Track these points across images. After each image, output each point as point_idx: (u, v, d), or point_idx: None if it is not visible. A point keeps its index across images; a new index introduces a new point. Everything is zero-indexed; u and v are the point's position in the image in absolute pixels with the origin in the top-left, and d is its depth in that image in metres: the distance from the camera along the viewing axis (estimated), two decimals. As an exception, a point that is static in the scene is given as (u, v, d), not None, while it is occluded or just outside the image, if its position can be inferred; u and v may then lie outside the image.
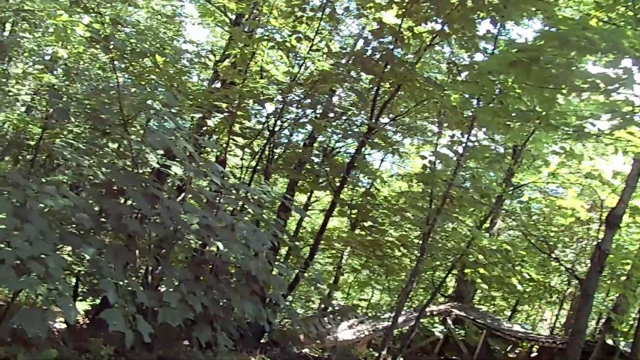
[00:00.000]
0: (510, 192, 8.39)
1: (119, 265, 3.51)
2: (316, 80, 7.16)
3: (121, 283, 3.76)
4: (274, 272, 5.00)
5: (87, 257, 3.50)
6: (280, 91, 6.19)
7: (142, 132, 5.80)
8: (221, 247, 4.39)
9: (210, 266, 5.00)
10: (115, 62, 4.25)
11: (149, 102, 3.86)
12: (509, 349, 16.81)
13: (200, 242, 5.34)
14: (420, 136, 13.88)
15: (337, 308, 16.18)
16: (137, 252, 4.69)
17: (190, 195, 4.73)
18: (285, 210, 9.60)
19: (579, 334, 5.82)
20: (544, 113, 4.01)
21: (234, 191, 4.47)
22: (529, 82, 3.51)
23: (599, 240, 6.09)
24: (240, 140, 7.50)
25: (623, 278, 9.92)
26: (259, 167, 8.84)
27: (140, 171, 6.27)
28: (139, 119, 8.59)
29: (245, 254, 3.97)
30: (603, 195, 7.72)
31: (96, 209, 4.41)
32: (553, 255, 7.94)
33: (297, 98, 6.78)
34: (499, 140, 10.57)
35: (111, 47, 3.72)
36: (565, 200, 10.74)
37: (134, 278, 5.06)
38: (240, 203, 4.97)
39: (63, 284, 3.06)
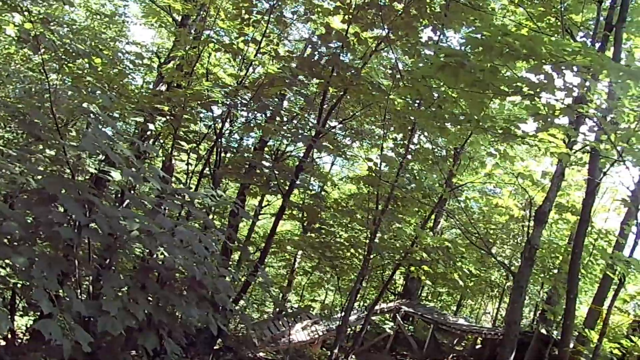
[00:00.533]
0: (450, 192, 8.78)
1: (53, 275, 3.36)
2: (263, 83, 7.16)
3: (60, 293, 3.62)
4: (222, 277, 4.96)
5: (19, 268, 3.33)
6: (226, 94, 6.14)
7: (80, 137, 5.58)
8: (163, 252, 4.33)
9: (156, 273, 4.89)
10: (49, 64, 4.06)
11: (85, 105, 3.72)
12: (455, 342, 17.53)
13: (147, 250, 5.21)
14: (368, 140, 14.21)
15: (290, 310, 16.22)
16: (76, 261, 4.51)
17: (130, 202, 4.60)
18: (236, 215, 9.49)
19: (514, 324, 6.18)
20: (474, 116, 4.26)
21: (177, 196, 4.39)
22: (457, 86, 3.72)
23: (529, 236, 6.50)
24: (186, 145, 7.37)
25: (554, 271, 10.64)
26: (206, 172, 8.71)
27: (80, 178, 6.04)
28: (79, 123, 8.23)
29: (188, 259, 3.92)
30: (533, 195, 8.24)
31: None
32: (486, 251, 8.38)
33: (244, 101, 6.75)
34: (440, 143, 11.06)
35: (41, 47, 3.55)
36: (501, 200, 11.36)
37: (71, 287, 4.85)
38: (185, 208, 4.90)
39: (-9, 295, 2.90)
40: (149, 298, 4.29)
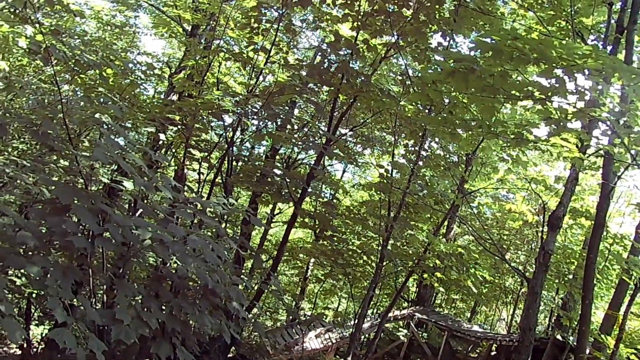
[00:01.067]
0: (463, 198, 8.72)
1: (67, 284, 3.40)
2: (273, 91, 7.20)
3: (75, 302, 3.65)
4: (235, 285, 4.97)
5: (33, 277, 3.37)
6: (236, 103, 6.19)
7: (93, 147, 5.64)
8: (176, 261, 4.35)
9: (170, 282, 4.92)
10: (61, 75, 4.12)
11: (97, 115, 3.77)
12: (470, 348, 17.31)
13: (160, 259, 5.26)
14: (379, 147, 14.20)
15: (303, 318, 16.20)
16: (90, 270, 4.56)
17: (142, 211, 4.64)
18: (248, 223, 9.51)
19: (529, 331, 6.09)
20: (486, 122, 4.23)
21: (189, 204, 4.43)
22: (467, 92, 3.70)
23: (543, 242, 6.41)
24: (198, 154, 7.43)
25: (570, 277, 10.48)
26: (218, 181, 8.76)
27: (94, 188, 6.12)
28: (92, 133, 8.35)
29: (201, 267, 3.94)
30: (547, 200, 8.15)
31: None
32: (500, 256, 8.30)
33: (254, 110, 6.80)
34: (452, 149, 10.99)
35: (52, 59, 3.61)
36: (514, 205, 11.24)
37: (86, 296, 4.90)
38: (198, 217, 4.93)
39: (6, 304, 2.94)
40: (163, 307, 4.32)
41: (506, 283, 17.12)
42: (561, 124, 3.99)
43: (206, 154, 7.18)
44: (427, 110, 8.06)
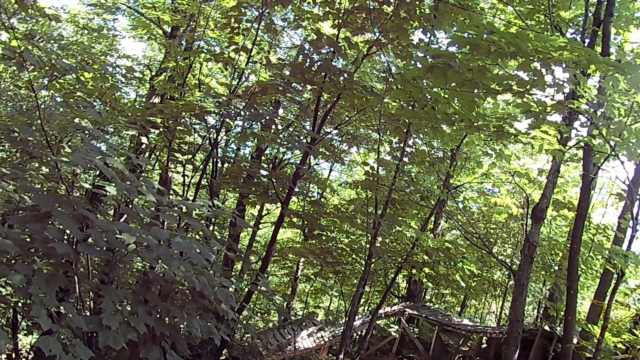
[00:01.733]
0: (448, 193, 8.79)
1: (51, 291, 3.35)
2: (255, 91, 7.17)
3: (62, 310, 3.60)
4: (224, 287, 4.94)
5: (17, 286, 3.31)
6: (218, 104, 6.15)
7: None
8: (161, 264, 4.32)
9: (159, 286, 4.88)
10: (39, 80, 4.05)
11: (77, 120, 3.71)
12: (461, 342, 17.47)
13: (148, 264, 5.20)
14: (364, 144, 14.24)
15: (295, 318, 16.21)
16: (75, 277, 4.50)
17: (127, 215, 4.59)
18: (235, 225, 9.46)
19: (516, 322, 6.16)
20: (467, 116, 4.27)
21: (174, 207, 4.39)
22: (447, 87, 3.74)
23: (527, 234, 6.50)
24: (182, 157, 7.37)
25: (555, 268, 10.64)
26: (204, 183, 8.70)
27: (76, 194, 6.03)
28: (73, 139, 8.22)
29: (187, 270, 3.91)
30: (530, 192, 8.25)
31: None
32: (487, 250, 8.39)
33: (237, 110, 6.76)
34: (437, 144, 11.09)
35: (27, 64, 3.55)
36: (499, 199, 11.36)
37: (73, 303, 4.82)
38: (183, 220, 4.89)
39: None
40: (151, 311, 4.28)
41: (494, 276, 17.31)
42: (541, 116, 4.05)
43: (190, 156, 7.12)
44: (410, 107, 8.10)
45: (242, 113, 6.21)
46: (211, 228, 11.56)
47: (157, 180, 11.40)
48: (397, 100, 8.20)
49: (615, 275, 8.13)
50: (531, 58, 3.34)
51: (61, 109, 5.21)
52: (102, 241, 3.41)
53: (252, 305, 18.82)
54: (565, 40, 3.18)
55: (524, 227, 13.60)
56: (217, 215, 7.22)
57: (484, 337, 15.92)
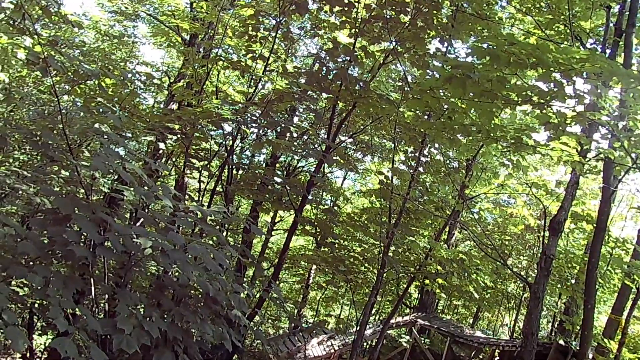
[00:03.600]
0: (463, 203, 8.71)
1: (68, 293, 3.39)
2: (271, 99, 7.22)
3: (77, 311, 3.65)
4: (237, 293, 4.96)
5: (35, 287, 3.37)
6: (234, 111, 6.20)
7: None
8: (175, 269, 4.35)
9: (172, 291, 4.91)
10: (60, 85, 4.14)
11: (97, 125, 3.78)
12: (472, 354, 17.22)
13: (162, 268, 5.24)
14: (379, 154, 14.21)
15: (305, 325, 16.16)
16: (92, 280, 4.56)
17: (143, 220, 4.64)
18: (248, 232, 9.47)
19: (531, 336, 6.05)
20: (485, 127, 4.23)
21: (189, 213, 4.42)
22: (465, 97, 3.71)
23: (544, 246, 6.40)
24: (198, 163, 7.44)
25: (572, 282, 10.44)
26: (219, 189, 8.76)
27: (94, 197, 6.12)
28: (92, 144, 8.37)
29: (201, 275, 3.93)
30: (548, 204, 8.13)
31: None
32: (502, 262, 8.26)
33: (253, 118, 6.80)
34: (452, 155, 11.00)
35: (51, 69, 3.62)
36: (515, 210, 11.21)
37: (88, 306, 4.87)
38: (198, 225, 4.92)
39: (9, 313, 2.94)
40: (164, 315, 4.31)
41: (508, 288, 17.06)
42: (560, 128, 3.99)
43: (206, 162, 7.18)
44: (426, 116, 8.07)
45: (258, 121, 6.25)
46: (224, 234, 11.62)
47: (173, 185, 11.51)
48: (412, 110, 8.17)
49: (634, 290, 7.95)
50: (552, 69, 3.30)
51: (82, 114, 5.30)
52: (119, 245, 3.45)
53: (263, 312, 18.85)
54: (587, 52, 3.14)
55: (540, 239, 13.40)
56: (231, 221, 7.27)
57: (497, 350, 15.67)
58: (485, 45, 3.33)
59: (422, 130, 7.57)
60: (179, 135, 6.37)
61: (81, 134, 5.70)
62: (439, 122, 4.66)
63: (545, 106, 3.79)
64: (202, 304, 4.50)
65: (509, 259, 14.68)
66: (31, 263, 3.76)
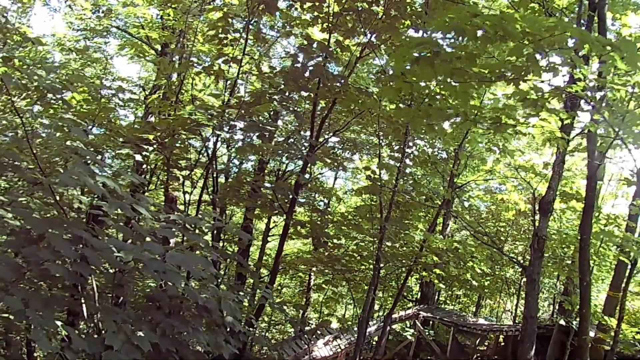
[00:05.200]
0: (453, 192, 8.65)
1: (50, 313, 3.27)
2: (248, 101, 7.12)
3: (63, 332, 3.53)
4: (230, 300, 4.85)
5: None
6: (210, 116, 6.08)
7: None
8: (166, 280, 4.23)
9: (163, 303, 4.80)
10: (29, 105, 4.02)
11: (68, 143, 3.66)
12: (477, 342, 17.20)
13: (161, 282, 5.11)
14: (367, 151, 14.15)
15: (308, 327, 16.06)
16: (82, 299, 4.43)
17: (123, 234, 4.52)
18: (244, 241, 9.36)
19: (530, 319, 5.99)
20: (463, 109, 4.16)
21: (172, 223, 4.31)
22: (435, 78, 3.63)
23: (536, 228, 6.34)
24: (181, 174, 7.30)
25: (568, 262, 10.44)
26: (207, 198, 8.62)
27: (75, 216, 5.98)
28: (69, 164, 8.19)
29: (196, 284, 3.83)
30: (536, 186, 8.09)
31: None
32: (498, 248, 8.21)
33: (231, 121, 6.68)
34: (439, 145, 10.96)
35: (9, 87, 3.50)
36: (506, 195, 11.19)
37: (80, 325, 4.73)
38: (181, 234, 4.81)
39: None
40: (157, 328, 4.20)
41: (507, 274, 17.06)
42: (539, 104, 3.93)
43: (188, 172, 7.06)
44: (407, 106, 8.01)
45: (236, 124, 6.14)
46: (220, 244, 11.50)
47: (162, 200, 11.33)
48: (391, 101, 8.10)
49: (629, 265, 7.93)
50: (521, 41, 3.23)
51: (57, 134, 5.17)
52: (98, 260, 3.33)
53: (268, 318, 18.71)
54: (554, 20, 3.08)
55: (533, 222, 13.40)
56: (219, 228, 7.14)
57: (501, 336, 15.66)
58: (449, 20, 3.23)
59: (402, 120, 7.50)
60: (155, 146, 6.25)
61: (58, 154, 5.57)
62: (415, 110, 4.58)
63: (521, 82, 3.72)
64: (192, 314, 4.39)
65: (504, 245, 14.66)
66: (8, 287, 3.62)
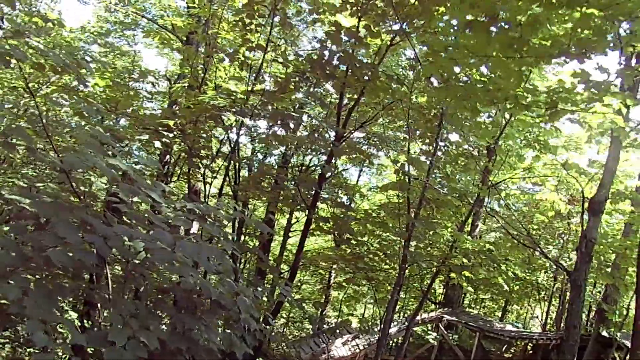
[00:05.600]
0: (488, 189, 8.12)
1: (52, 304, 3.01)
2: (272, 89, 6.79)
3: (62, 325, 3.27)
4: (247, 296, 4.55)
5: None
6: (233, 102, 5.77)
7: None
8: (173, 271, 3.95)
9: (177, 297, 4.54)
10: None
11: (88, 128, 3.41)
12: (504, 349, 16.55)
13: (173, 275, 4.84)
14: (394, 147, 13.70)
15: (327, 326, 15.76)
16: (95, 290, 4.19)
17: (135, 221, 4.25)
18: (266, 235, 9.09)
19: (573, 328, 5.47)
20: (512, 91, 3.69)
21: (189, 211, 4.02)
22: (489, 51, 3.16)
23: (584, 229, 5.81)
24: (200, 161, 7.04)
25: (609, 269, 9.75)
26: (228, 191, 8.35)
27: (99, 204, 5.78)
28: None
29: (199, 278, 3.52)
30: (583, 185, 7.52)
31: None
32: (538, 249, 7.65)
33: (253, 108, 6.36)
34: (473, 140, 10.40)
35: (18, 61, 3.24)
36: (543, 194, 10.54)
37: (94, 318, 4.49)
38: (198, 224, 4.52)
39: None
40: (172, 323, 3.92)
41: (538, 279, 16.32)
42: (602, 86, 3.44)
43: (210, 161, 6.78)
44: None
45: (259, 111, 5.82)
46: (242, 238, 11.28)
47: (185, 192, 11.18)
48: (427, 85, 7.58)
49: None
50: (592, 12, 2.76)
51: (75, 118, 4.96)
52: (106, 248, 3.05)
53: (287, 314, 18.49)
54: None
55: (571, 225, 12.66)
56: (240, 220, 6.85)
57: (529, 344, 14.99)
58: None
59: (438, 102, 6.98)
60: (176, 132, 5.98)
61: (75, 137, 5.36)
62: (457, 88, 4.10)
63: (585, 59, 3.23)
64: (206, 309, 4.09)
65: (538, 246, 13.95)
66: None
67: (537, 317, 21.55)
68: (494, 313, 21.72)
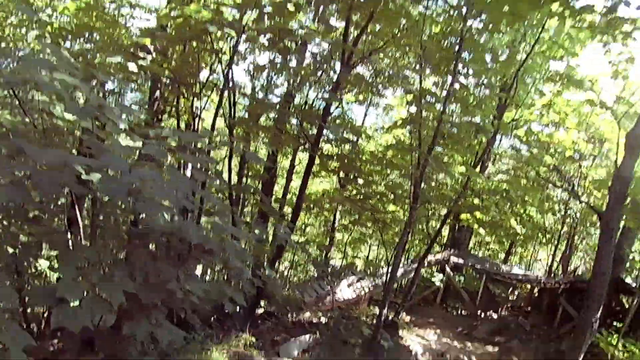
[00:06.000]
0: (508, 124, 7.37)
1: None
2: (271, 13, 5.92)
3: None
4: (234, 239, 4.01)
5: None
6: (227, 21, 4.96)
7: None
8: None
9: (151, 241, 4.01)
10: None
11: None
12: (509, 291, 16.41)
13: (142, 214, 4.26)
14: (403, 85, 12.75)
15: (331, 269, 15.61)
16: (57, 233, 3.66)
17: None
18: (269, 175, 8.56)
19: (601, 275, 4.95)
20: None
21: (163, 139, 3.38)
22: None
23: (617, 168, 5.14)
24: (185, 90, 6.30)
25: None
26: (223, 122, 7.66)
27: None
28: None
29: (175, 216, 2.93)
30: (601, 126, 6.77)
31: None
32: (572, 189, 7.01)
33: (253, 35, 5.55)
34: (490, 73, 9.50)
35: None
36: (560, 134, 9.76)
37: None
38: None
39: None
40: (143, 273, 3.38)
41: (546, 222, 15.86)
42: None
43: (199, 90, 6.04)
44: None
45: (254, 27, 5.00)
46: (244, 180, 10.72)
47: (184, 128, 10.53)
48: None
49: None
50: None
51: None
52: (48, 182, 2.43)
53: (291, 257, 18.41)
54: None
55: (581, 169, 11.94)
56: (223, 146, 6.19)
57: (536, 288, 14.77)
58: None
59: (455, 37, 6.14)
60: (155, 55, 5.20)
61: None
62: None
63: None
64: (185, 253, 3.55)
65: (545, 192, 13.36)
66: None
67: (540, 260, 21.41)
68: (497, 255, 21.55)
